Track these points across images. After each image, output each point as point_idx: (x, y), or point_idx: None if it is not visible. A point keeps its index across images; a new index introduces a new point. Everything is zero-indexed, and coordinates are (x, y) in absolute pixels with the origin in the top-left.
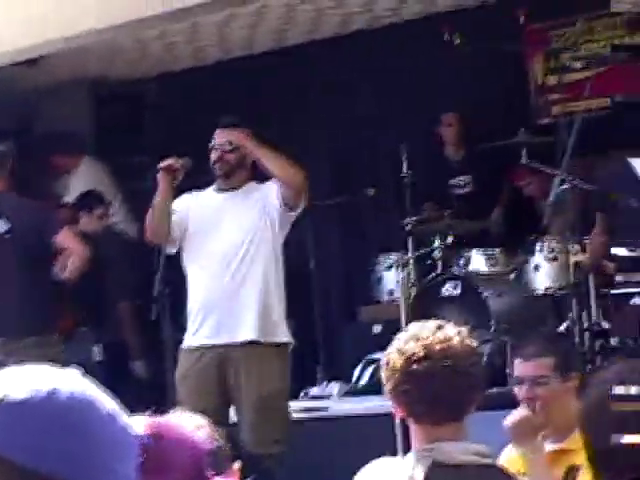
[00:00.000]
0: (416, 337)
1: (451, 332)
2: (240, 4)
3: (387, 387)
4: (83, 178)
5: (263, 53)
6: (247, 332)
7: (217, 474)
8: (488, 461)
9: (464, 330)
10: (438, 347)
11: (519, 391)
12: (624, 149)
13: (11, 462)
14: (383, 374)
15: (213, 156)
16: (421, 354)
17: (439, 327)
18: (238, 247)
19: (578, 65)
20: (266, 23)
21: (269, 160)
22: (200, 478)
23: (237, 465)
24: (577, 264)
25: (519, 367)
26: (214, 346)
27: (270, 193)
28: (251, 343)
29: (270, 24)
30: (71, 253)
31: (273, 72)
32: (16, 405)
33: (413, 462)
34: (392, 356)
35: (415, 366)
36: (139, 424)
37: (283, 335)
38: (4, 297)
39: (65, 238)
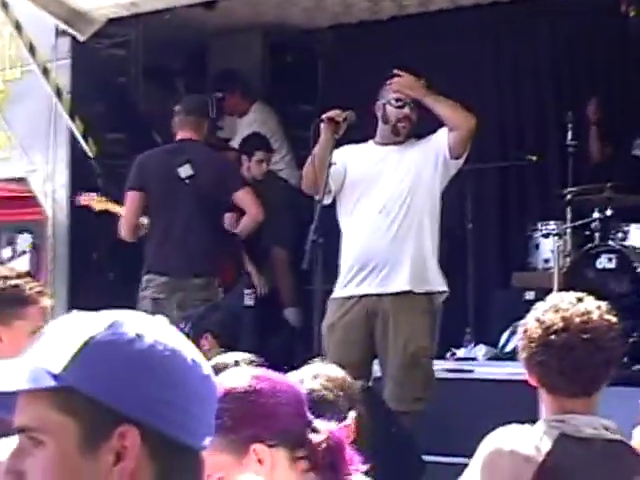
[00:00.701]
0: (556, 308)
1: (591, 305)
2: None
3: (522, 355)
4: (252, 122)
5: (438, 11)
6: (401, 283)
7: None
8: (616, 436)
9: (604, 304)
10: (578, 320)
11: None
12: None
13: (96, 401)
14: (520, 342)
15: (397, 113)
16: (560, 325)
17: (579, 299)
18: (396, 200)
19: None
20: None
21: (441, 104)
22: (303, 427)
23: (353, 414)
24: None
25: None
26: (365, 296)
27: (438, 138)
28: (404, 293)
29: None
30: (247, 213)
31: (446, 32)
32: (102, 345)
33: (541, 432)
34: (530, 325)
35: (553, 337)
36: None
37: (437, 284)
38: (174, 238)
39: (245, 198)
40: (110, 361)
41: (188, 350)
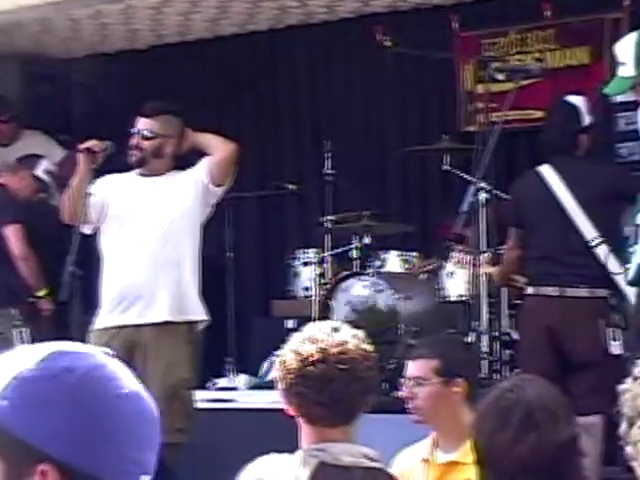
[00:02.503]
0: (312, 339)
1: (347, 335)
2: None
3: (280, 386)
4: (26, 147)
5: (196, 41)
6: (160, 313)
7: None
8: (375, 464)
9: (360, 333)
10: (334, 350)
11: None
12: (544, 164)
13: (19, 438)
14: (277, 374)
15: (131, 142)
16: (317, 357)
17: (335, 329)
18: (157, 231)
19: (504, 76)
20: (201, 11)
21: (199, 136)
22: None
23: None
24: (489, 275)
25: (407, 367)
26: (125, 327)
27: (198, 167)
28: (164, 324)
29: (205, 13)
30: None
31: (205, 61)
32: (28, 381)
33: (300, 461)
34: (287, 357)
35: (311, 368)
36: None
37: (197, 314)
38: None
39: (10, 236)
40: (33, 397)
41: (123, 383)
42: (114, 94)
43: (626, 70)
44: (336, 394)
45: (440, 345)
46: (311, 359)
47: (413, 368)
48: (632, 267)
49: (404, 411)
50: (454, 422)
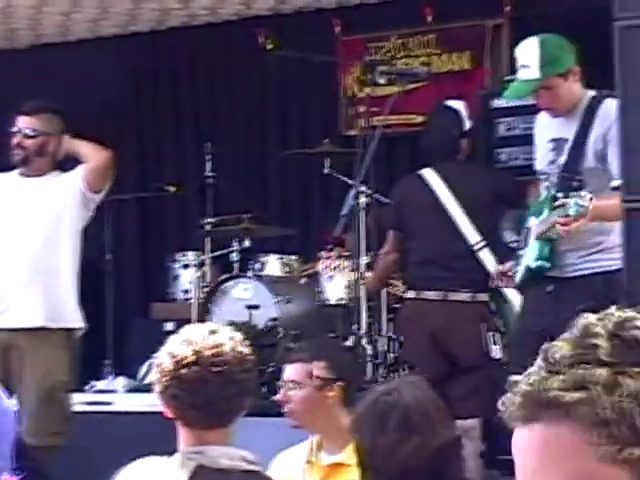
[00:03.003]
0: (188, 341)
1: (223, 338)
2: None
3: (157, 389)
4: None
5: (77, 41)
6: (36, 318)
7: None
8: (253, 467)
9: (237, 335)
10: (209, 352)
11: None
12: (423, 168)
13: None
14: (154, 376)
15: (13, 141)
16: (192, 359)
17: (212, 332)
18: (35, 235)
19: (388, 80)
20: (81, 12)
21: (74, 144)
22: None
23: None
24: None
25: (285, 370)
26: (1, 330)
27: (75, 174)
28: (40, 329)
29: (86, 13)
30: None
31: (86, 62)
32: None
33: (178, 464)
34: (163, 359)
35: (185, 371)
36: None
37: (75, 321)
38: None
39: None
40: None
41: None
42: None
43: (529, 73)
44: (211, 397)
45: (316, 349)
46: (185, 361)
47: (289, 372)
48: (520, 270)
49: (282, 415)
50: (330, 426)
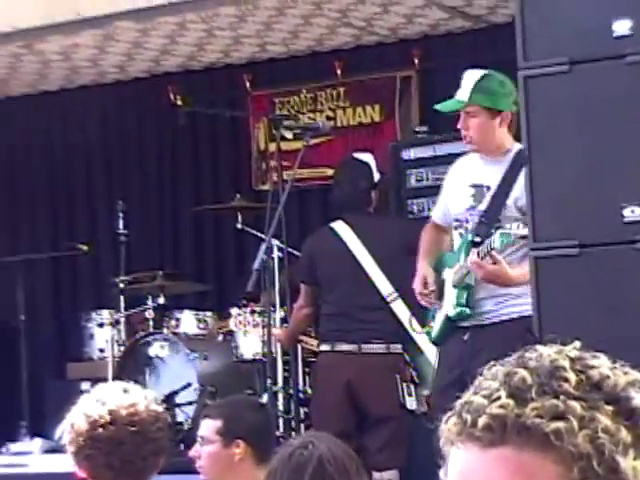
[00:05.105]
0: (102, 401)
1: (137, 397)
2: None
3: (71, 449)
4: None
5: None
6: None
7: None
8: None
9: (150, 394)
10: (124, 412)
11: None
12: (335, 220)
13: None
14: (67, 436)
15: None
16: (107, 419)
17: (125, 390)
18: None
19: (293, 135)
20: None
21: None
22: None
23: None
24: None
25: (200, 426)
26: None
27: None
28: None
29: None
30: None
31: None
32: None
33: None
34: (77, 419)
35: (100, 431)
36: None
37: None
38: None
39: None
40: None
41: None
42: None
43: (460, 94)
44: (127, 456)
45: (225, 407)
46: (101, 421)
47: (201, 428)
48: (436, 325)
49: (196, 471)
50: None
